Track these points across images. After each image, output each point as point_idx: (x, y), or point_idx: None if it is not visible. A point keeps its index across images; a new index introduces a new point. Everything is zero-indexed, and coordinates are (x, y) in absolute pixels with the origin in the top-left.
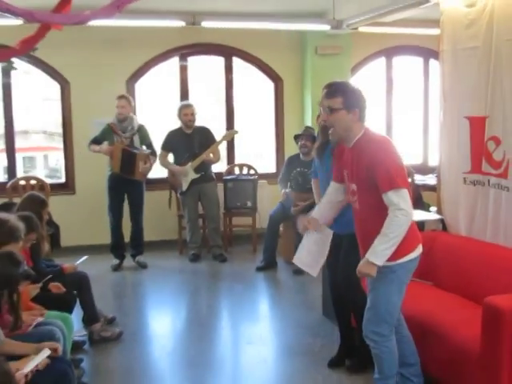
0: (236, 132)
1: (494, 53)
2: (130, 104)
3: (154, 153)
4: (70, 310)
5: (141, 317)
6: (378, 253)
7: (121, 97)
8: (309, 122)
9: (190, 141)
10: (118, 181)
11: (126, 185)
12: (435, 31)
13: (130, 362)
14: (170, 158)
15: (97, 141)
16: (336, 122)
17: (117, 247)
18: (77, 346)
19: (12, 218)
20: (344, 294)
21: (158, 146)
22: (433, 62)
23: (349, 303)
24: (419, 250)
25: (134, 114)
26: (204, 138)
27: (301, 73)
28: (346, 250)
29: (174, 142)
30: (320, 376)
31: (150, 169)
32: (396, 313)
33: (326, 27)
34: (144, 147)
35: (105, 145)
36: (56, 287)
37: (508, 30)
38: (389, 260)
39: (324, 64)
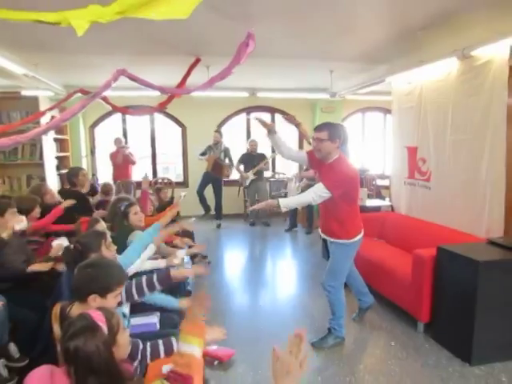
0: (276, 155)
1: (423, 109)
2: (220, 135)
3: (231, 165)
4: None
5: (220, 255)
6: (286, 203)
7: (215, 131)
8: None
9: (252, 159)
10: (208, 177)
11: (211, 180)
12: (389, 98)
13: (214, 279)
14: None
15: (203, 154)
16: (322, 148)
17: (206, 211)
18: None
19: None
20: None
21: (235, 160)
22: (388, 116)
23: None
24: (361, 234)
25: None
26: (260, 157)
27: (312, 121)
28: None
29: (244, 158)
30: (321, 291)
31: (228, 174)
32: (346, 272)
33: (327, 96)
34: (227, 159)
35: (207, 156)
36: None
37: (430, 98)
38: (345, 238)
39: (326, 116)
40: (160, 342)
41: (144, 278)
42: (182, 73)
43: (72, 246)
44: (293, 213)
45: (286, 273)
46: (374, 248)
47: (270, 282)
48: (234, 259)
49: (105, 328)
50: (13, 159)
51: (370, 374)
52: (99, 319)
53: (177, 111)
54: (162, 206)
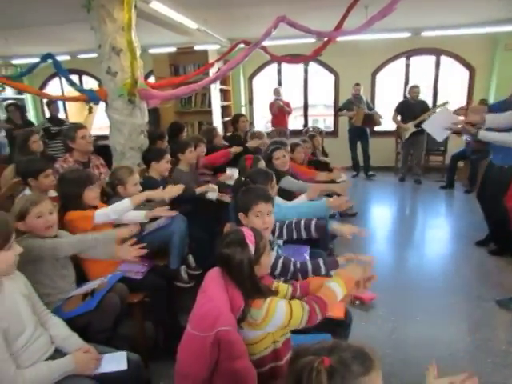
0: (447, 102)
1: None
2: (360, 88)
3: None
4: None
5: (367, 206)
6: (486, 135)
7: (356, 84)
8: (492, 92)
9: (412, 107)
10: (353, 132)
11: (358, 135)
12: None
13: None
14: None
15: (340, 109)
16: None
17: (353, 165)
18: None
19: None
20: (493, 209)
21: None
22: None
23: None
24: None
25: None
26: (422, 106)
27: (490, 63)
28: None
29: (402, 107)
30: (476, 252)
31: (380, 122)
32: None
33: None
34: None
35: (352, 112)
36: None
37: None
38: None
39: (510, 56)
40: (308, 262)
41: (303, 221)
42: (338, 17)
43: (243, 178)
44: (451, 169)
45: (436, 230)
46: None
47: (417, 237)
48: (380, 212)
49: (252, 247)
50: (187, 107)
51: None
52: (249, 239)
53: (330, 59)
54: (315, 162)
